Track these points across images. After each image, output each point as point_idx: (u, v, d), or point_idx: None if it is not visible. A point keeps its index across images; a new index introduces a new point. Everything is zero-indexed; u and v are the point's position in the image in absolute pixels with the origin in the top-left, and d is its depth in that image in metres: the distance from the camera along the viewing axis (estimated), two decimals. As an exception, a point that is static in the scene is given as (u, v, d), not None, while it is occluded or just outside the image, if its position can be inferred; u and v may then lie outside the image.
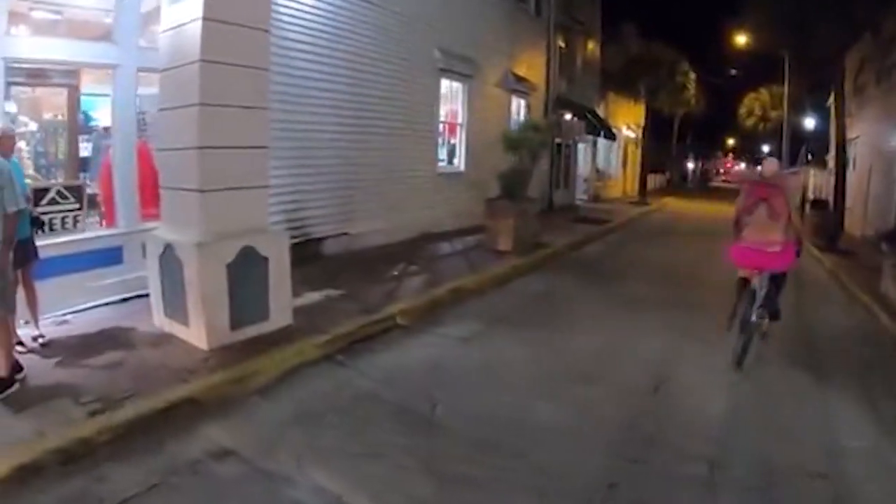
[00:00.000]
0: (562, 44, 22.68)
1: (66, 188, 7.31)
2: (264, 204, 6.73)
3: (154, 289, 6.56)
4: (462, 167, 15.36)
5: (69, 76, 7.91)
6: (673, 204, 31.59)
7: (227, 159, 6.18)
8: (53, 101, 8.57)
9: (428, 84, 13.61)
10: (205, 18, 5.94)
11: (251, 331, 6.34)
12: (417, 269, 10.24)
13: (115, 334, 6.46)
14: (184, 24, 6.12)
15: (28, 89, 8.22)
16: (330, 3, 10.50)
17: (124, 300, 7.52)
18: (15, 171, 5.25)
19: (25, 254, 5.80)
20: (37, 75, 7.66)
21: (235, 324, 6.20)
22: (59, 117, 8.55)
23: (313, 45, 10.18)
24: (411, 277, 9.68)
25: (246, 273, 6.24)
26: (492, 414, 5.15)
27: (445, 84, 14.49)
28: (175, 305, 6.24)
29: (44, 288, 6.24)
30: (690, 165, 62.84)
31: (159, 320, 6.57)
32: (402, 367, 6.21)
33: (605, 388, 5.80)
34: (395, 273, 9.93)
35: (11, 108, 7.37)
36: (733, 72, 37.27)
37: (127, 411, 4.68)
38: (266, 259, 6.44)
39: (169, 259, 6.19)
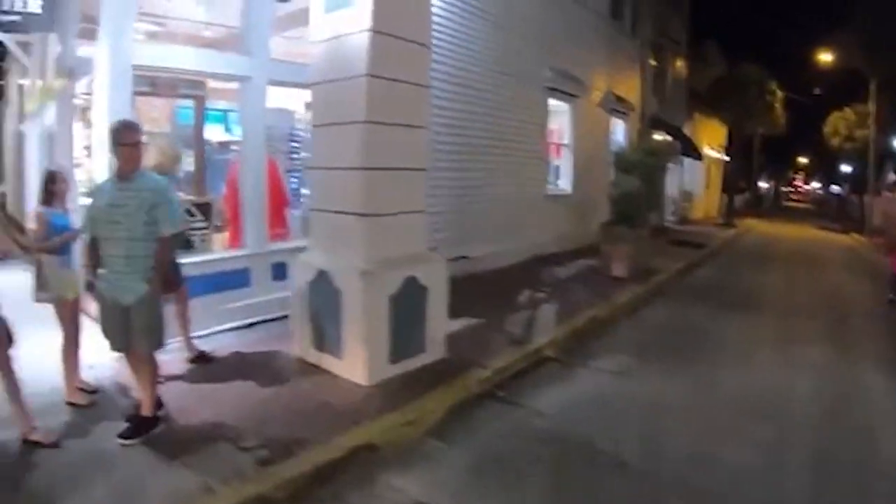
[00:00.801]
0: (653, 62, 22.00)
1: (196, 205, 7.02)
2: (423, 230, 6.31)
3: (300, 316, 6.17)
4: (568, 189, 14.84)
5: (196, 87, 7.65)
6: (758, 226, 30.40)
7: (390, 181, 5.79)
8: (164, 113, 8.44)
9: (537, 103, 13.15)
10: (373, 30, 5.56)
11: (409, 364, 5.92)
12: (544, 296, 9.77)
13: (256, 363, 6.14)
14: (346, 35, 5.76)
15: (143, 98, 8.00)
16: (444, 17, 10.11)
17: (250, 325, 7.20)
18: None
19: (177, 276, 5.66)
20: (164, 85, 7.39)
21: (394, 357, 5.78)
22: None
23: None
24: (542, 305, 9.20)
25: (407, 304, 5.82)
26: (677, 453, 4.81)
27: (552, 104, 13.93)
28: (327, 336, 5.85)
29: (170, 311, 5.89)
30: (764, 185, 61.06)
31: (303, 350, 6.19)
32: (571, 405, 5.74)
33: (784, 426, 5.41)
34: (524, 300, 9.50)
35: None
36: (817, 91, 36.05)
37: (301, 461, 4.24)
38: (426, 289, 6.03)
39: (323, 286, 5.79)
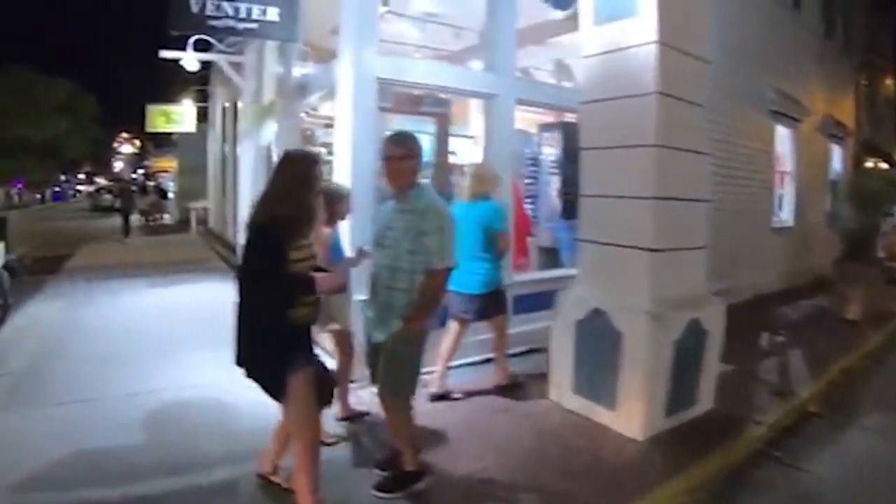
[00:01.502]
0: (864, 82, 20.14)
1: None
2: (703, 267, 5.61)
3: (562, 357, 5.58)
4: (790, 221, 13.57)
5: (440, 104, 7.31)
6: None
7: (677, 213, 5.15)
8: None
9: (763, 127, 12.05)
10: (660, 43, 4.92)
11: (681, 417, 5.22)
12: (784, 341, 8.79)
13: (509, 406, 5.64)
14: (625, 49, 5.19)
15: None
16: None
17: (487, 360, 6.62)
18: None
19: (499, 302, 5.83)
20: (406, 102, 7.10)
21: (669, 409, 5.09)
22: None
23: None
24: (784, 350, 8.27)
25: (689, 350, 5.12)
26: None
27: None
28: (597, 382, 5.24)
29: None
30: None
31: (560, 394, 5.63)
32: (850, 470, 4.93)
33: None
34: (766, 344, 8.62)
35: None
36: None
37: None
38: (706, 333, 5.32)
39: (597, 327, 5.19)
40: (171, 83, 34.38)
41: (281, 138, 9.00)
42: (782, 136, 13.26)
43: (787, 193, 13.66)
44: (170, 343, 7.59)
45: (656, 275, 4.98)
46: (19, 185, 41.92)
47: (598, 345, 5.18)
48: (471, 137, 9.11)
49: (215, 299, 10.48)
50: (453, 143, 9.16)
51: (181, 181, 32.69)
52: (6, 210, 36.30)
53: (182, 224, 27.32)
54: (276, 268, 3.22)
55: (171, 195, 36.19)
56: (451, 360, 5.85)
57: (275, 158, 9.74)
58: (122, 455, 4.60)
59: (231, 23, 7.21)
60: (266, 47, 10.58)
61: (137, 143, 66.84)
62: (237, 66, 12.83)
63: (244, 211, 12.12)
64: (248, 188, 12.13)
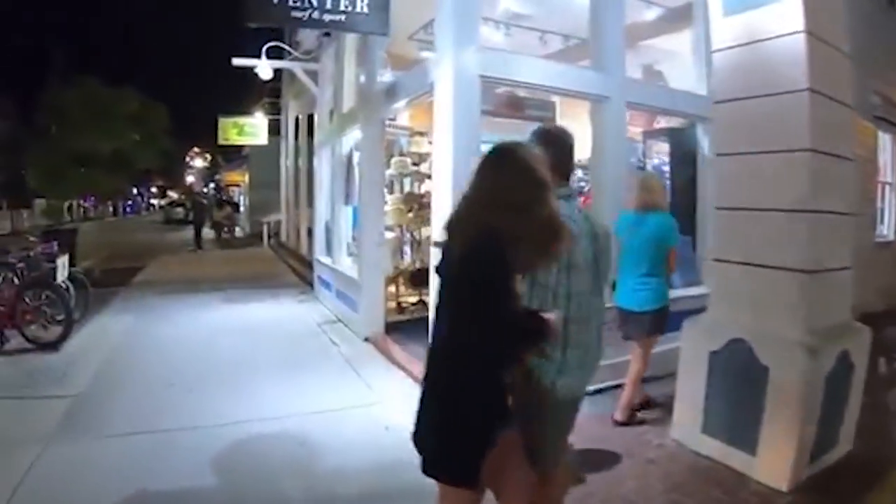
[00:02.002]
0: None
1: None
2: (850, 289, 4.98)
3: (690, 393, 4.95)
4: (891, 235, 12.57)
5: (545, 108, 6.79)
6: None
7: (830, 228, 4.52)
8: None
9: (864, 134, 11.10)
10: (808, 33, 4.31)
11: (825, 461, 4.55)
12: None
13: (630, 452, 4.95)
14: (764, 40, 4.58)
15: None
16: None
17: (596, 392, 6.01)
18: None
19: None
20: (508, 104, 6.59)
21: (814, 454, 4.41)
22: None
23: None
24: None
25: (836, 385, 4.47)
26: None
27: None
28: (733, 423, 4.61)
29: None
30: None
31: (686, 433, 4.98)
32: None
33: None
34: (886, 372, 8.03)
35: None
36: None
37: None
38: (853, 367, 4.66)
39: (735, 359, 4.57)
40: (242, 95, 34.87)
41: (364, 148, 8.63)
42: (885, 144, 12.32)
43: (889, 206, 12.69)
44: (246, 367, 7.25)
45: (809, 300, 4.34)
46: (91, 200, 43.04)
47: (737, 380, 4.56)
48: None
49: (293, 318, 10.19)
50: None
51: (252, 194, 33.00)
52: (78, 222, 37.42)
53: (254, 238, 27.49)
54: (503, 304, 2.31)
55: (241, 209, 36.64)
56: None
57: (356, 169, 9.42)
58: (191, 500, 4.21)
59: (316, 14, 6.70)
60: (345, 53, 10.26)
61: (208, 156, 68.19)
62: (312, 75, 12.59)
63: (321, 224, 11.83)
64: (325, 201, 11.83)
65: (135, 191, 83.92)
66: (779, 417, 4.29)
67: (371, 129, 8.45)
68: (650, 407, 5.68)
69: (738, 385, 4.54)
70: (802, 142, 4.31)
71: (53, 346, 7.90)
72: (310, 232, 15.26)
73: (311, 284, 12.93)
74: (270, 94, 25.32)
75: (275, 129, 24.37)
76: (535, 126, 6.86)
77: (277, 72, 23.18)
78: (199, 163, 73.58)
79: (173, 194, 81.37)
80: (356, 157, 9.81)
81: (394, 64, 8.65)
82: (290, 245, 20.73)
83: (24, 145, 18.79)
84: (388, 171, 9.34)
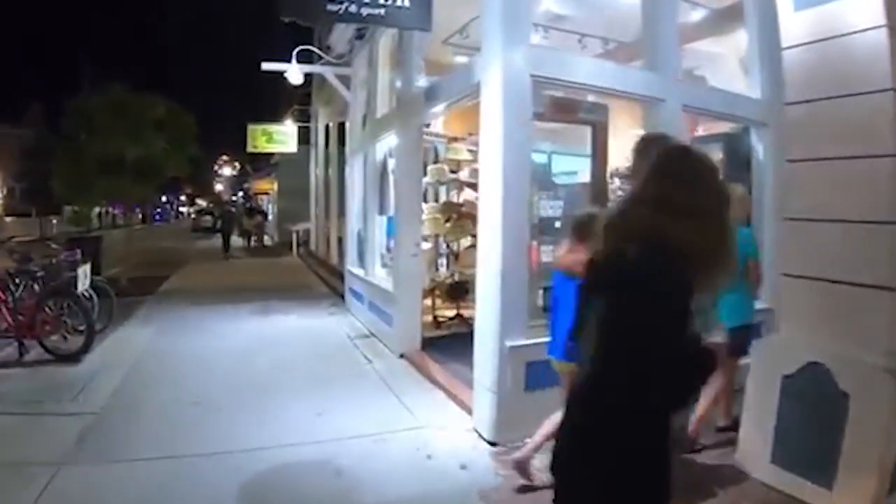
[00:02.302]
0: None
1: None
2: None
3: (758, 420, 4.60)
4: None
5: (597, 111, 6.46)
6: None
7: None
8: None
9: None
10: (890, 27, 3.98)
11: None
12: None
13: (698, 484, 4.52)
14: (842, 35, 4.22)
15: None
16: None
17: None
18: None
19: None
20: (560, 107, 6.27)
21: (892, 487, 3.99)
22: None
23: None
24: None
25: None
26: None
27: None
28: (808, 454, 4.22)
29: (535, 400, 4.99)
30: None
31: (754, 464, 4.61)
32: None
33: None
34: None
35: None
36: None
37: None
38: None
39: (811, 384, 4.21)
40: (271, 103, 34.92)
41: (400, 154, 8.37)
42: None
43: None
44: (275, 385, 6.98)
45: (894, 320, 3.97)
46: (120, 207, 43.33)
47: (813, 407, 4.19)
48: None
49: (324, 331, 9.96)
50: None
51: (281, 203, 33.06)
52: (107, 230, 37.57)
53: (282, 246, 27.47)
54: (683, 331, 1.88)
55: (270, 217, 36.72)
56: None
57: (391, 177, 9.17)
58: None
59: (353, 8, 6.28)
60: (378, 56, 10.03)
61: (237, 164, 68.58)
62: (344, 80, 12.37)
63: (353, 234, 11.60)
64: (358, 210, 11.60)
65: (164, 199, 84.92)
66: (860, 449, 3.93)
67: (407, 134, 8.19)
68: (729, 430, 5.20)
69: (814, 412, 4.18)
70: (886, 146, 3.96)
71: (74, 357, 7.74)
72: (340, 241, 15.07)
73: (341, 296, 12.71)
74: (300, 102, 25.25)
75: (304, 138, 24.26)
76: (585, 130, 6.64)
77: (307, 78, 23.21)
78: (227, 171, 73.99)
79: (202, 202, 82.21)
80: (391, 164, 9.57)
81: (427, 69, 8.41)
82: (320, 254, 20.57)
83: (51, 152, 18.78)
84: (425, 179, 9.05)
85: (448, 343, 8.33)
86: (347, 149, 12.89)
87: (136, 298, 12.80)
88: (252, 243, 30.08)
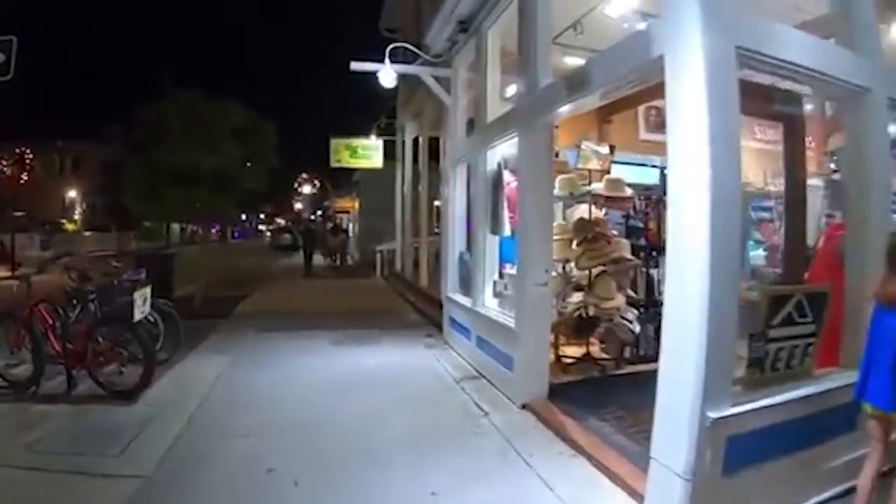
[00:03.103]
0: None
1: (809, 297, 4.26)
2: None
3: None
4: None
5: (792, 102, 4.96)
6: None
7: None
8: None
9: None
10: None
11: None
12: None
13: None
14: None
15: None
16: None
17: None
18: None
19: None
20: (756, 97, 4.80)
21: None
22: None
23: None
24: None
25: None
26: None
27: None
28: None
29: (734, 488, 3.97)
30: None
31: None
32: None
33: None
34: None
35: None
36: None
37: None
38: None
39: None
40: (353, 119, 34.23)
41: (524, 161, 6.96)
42: None
43: None
44: (370, 447, 5.63)
45: None
46: (197, 224, 43.51)
47: None
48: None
49: (421, 369, 8.63)
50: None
51: (362, 221, 32.30)
52: (185, 245, 37.53)
53: (364, 266, 26.57)
54: None
55: (350, 236, 36.11)
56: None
57: (505, 189, 7.78)
58: None
59: None
60: (488, 50, 8.69)
61: (317, 182, 68.59)
62: (443, 82, 11.03)
63: (454, 256, 10.24)
64: (459, 228, 10.24)
65: (243, 216, 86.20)
66: None
67: (533, 137, 6.76)
68: None
69: None
70: None
71: (129, 395, 6.76)
72: (431, 263, 13.80)
73: (436, 324, 11.38)
74: (386, 115, 24.13)
75: (388, 153, 23.24)
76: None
77: (392, 92, 22.11)
78: (307, 189, 74.23)
79: (281, 220, 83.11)
80: (506, 175, 8.14)
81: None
82: (407, 276, 19.33)
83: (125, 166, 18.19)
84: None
85: (580, 391, 6.94)
86: (446, 160, 11.43)
87: (209, 321, 11.93)
88: (333, 262, 29.75)
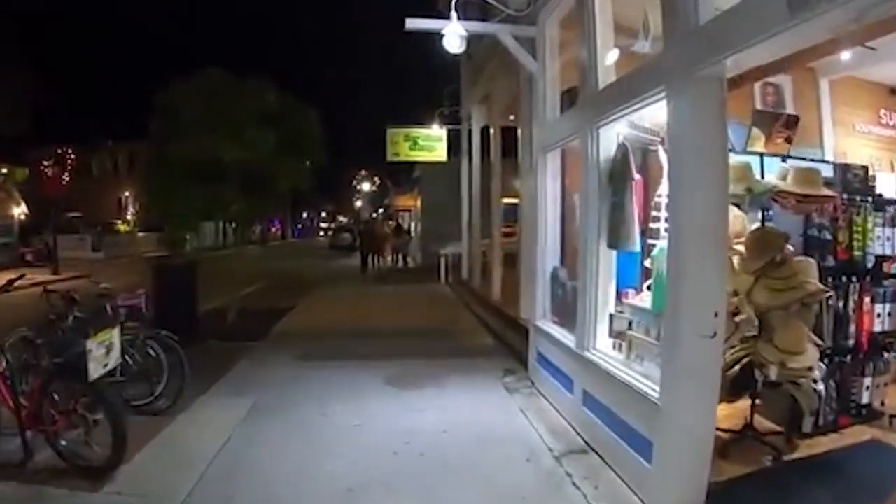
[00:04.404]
0: None
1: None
2: None
3: None
4: None
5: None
6: None
7: None
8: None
9: None
10: None
11: None
12: None
13: None
14: None
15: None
16: None
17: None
18: None
19: None
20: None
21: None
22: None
23: None
24: None
25: None
26: None
27: None
28: None
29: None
30: None
31: None
32: None
33: None
34: None
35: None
36: None
37: None
38: None
39: None
40: (412, 106, 32.21)
41: (684, 137, 4.39)
42: None
43: None
44: None
45: None
46: (233, 223, 41.96)
47: None
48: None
49: (501, 432, 6.36)
50: None
51: (425, 221, 30.17)
52: (233, 247, 36.24)
53: (427, 270, 24.38)
54: None
55: (411, 236, 34.12)
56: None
57: (631, 179, 5.32)
58: None
59: None
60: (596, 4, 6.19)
61: (377, 179, 67.13)
62: (524, 45, 8.45)
63: (545, 270, 7.80)
64: (552, 234, 7.78)
65: (304, 214, 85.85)
66: None
67: (697, 95, 4.21)
68: None
69: None
70: None
71: (96, 474, 4.90)
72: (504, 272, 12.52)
73: (516, 354, 8.99)
74: (449, 102, 21.68)
75: (452, 146, 20.94)
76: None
77: (454, 75, 19.78)
78: (366, 186, 73.01)
79: (342, 219, 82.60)
80: (633, 160, 5.61)
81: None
82: (475, 286, 16.92)
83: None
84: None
85: (753, 494, 4.50)
86: (535, 143, 8.78)
87: (238, 344, 9.92)
88: (394, 264, 28.40)
